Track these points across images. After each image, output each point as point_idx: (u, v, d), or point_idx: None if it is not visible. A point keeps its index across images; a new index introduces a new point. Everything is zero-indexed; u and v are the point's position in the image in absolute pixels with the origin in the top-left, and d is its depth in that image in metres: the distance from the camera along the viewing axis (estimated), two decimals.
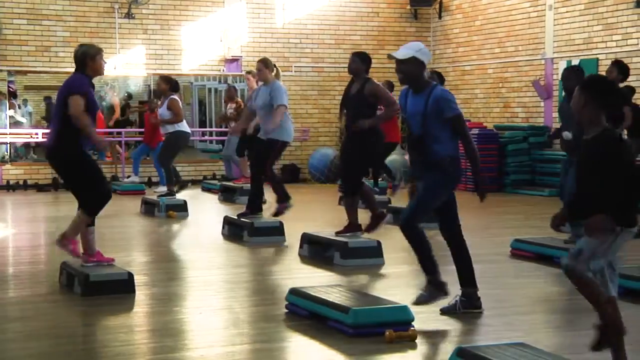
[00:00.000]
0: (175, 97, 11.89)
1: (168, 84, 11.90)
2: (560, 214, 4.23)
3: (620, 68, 9.42)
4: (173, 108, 11.66)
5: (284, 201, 9.34)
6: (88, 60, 6.60)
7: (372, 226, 8.27)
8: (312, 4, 17.54)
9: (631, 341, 4.92)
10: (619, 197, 4.04)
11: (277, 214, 9.31)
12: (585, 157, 4.18)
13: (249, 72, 12.97)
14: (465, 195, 12.69)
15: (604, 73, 13.68)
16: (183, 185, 12.09)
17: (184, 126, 11.82)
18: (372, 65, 8.25)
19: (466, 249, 5.78)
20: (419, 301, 5.67)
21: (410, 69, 5.60)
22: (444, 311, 5.65)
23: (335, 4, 17.74)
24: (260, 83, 9.70)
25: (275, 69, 9.40)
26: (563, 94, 9.20)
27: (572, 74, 8.01)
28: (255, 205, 9.44)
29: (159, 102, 12.34)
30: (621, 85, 9.64)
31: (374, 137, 7.99)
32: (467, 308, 5.67)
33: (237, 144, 13.41)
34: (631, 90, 10.02)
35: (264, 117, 9.27)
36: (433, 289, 5.71)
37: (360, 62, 8.05)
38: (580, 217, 4.26)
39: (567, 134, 7.91)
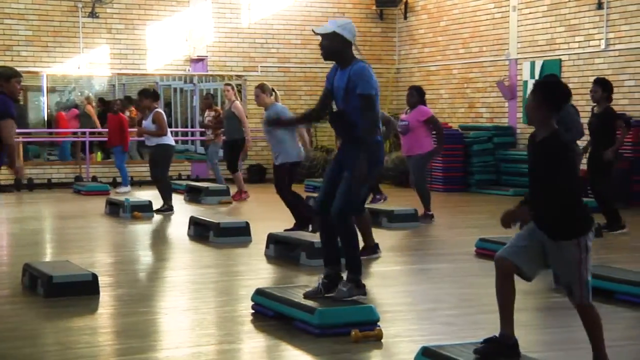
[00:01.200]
0: (160, 110, 11.81)
1: (148, 98, 11.80)
2: (513, 212, 4.22)
3: (605, 86, 9.31)
4: (158, 121, 11.54)
5: (299, 227, 9.09)
6: (2, 81, 6.75)
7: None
8: (277, 4, 17.52)
9: (574, 341, 4.98)
10: (568, 206, 4.08)
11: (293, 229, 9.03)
12: (536, 157, 4.20)
13: (227, 84, 13.14)
14: (431, 195, 12.74)
15: (568, 74, 13.87)
16: (167, 210, 11.77)
17: (168, 139, 11.71)
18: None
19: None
20: (339, 297, 5.57)
21: (330, 44, 5.62)
22: (307, 296, 5.51)
23: (301, 4, 17.73)
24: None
25: (273, 92, 9.43)
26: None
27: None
28: (300, 219, 9.20)
29: (143, 115, 12.18)
30: (607, 102, 9.48)
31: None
32: (328, 290, 5.60)
33: (231, 159, 13.25)
34: (614, 113, 9.63)
35: (271, 140, 9.31)
36: (354, 286, 5.68)
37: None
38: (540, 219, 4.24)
39: None
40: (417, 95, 10.62)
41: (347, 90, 5.56)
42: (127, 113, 16.32)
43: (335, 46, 5.61)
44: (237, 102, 13.19)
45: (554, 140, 4.12)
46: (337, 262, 5.76)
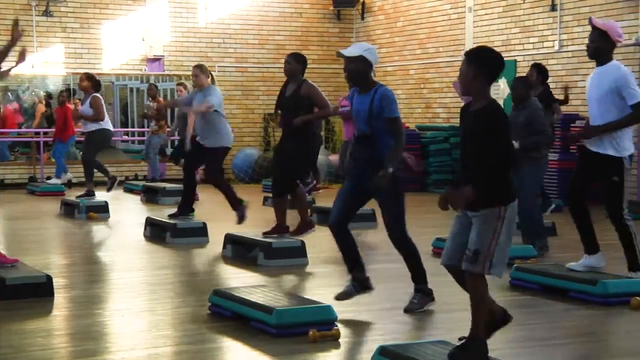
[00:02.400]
0: (98, 95, 11.77)
1: (90, 81, 11.77)
2: (444, 196, 4.25)
3: (540, 70, 9.66)
4: (95, 106, 11.53)
5: (237, 207, 9.21)
6: None
7: (299, 232, 8.27)
8: (234, 4, 17.46)
9: (543, 338, 5.05)
10: (497, 171, 4.08)
11: (240, 220, 9.19)
12: (470, 128, 4.19)
13: (180, 84, 13.07)
14: None
15: (523, 74, 14.02)
16: (113, 181, 11.92)
17: (106, 124, 11.73)
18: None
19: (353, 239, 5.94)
20: (412, 309, 5.80)
21: (357, 67, 5.66)
22: (339, 298, 5.81)
23: (258, 4, 17.69)
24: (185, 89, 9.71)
25: (210, 75, 9.41)
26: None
27: (519, 82, 8.14)
28: (185, 206, 9.33)
29: (80, 100, 12.19)
30: (542, 86, 9.91)
31: (309, 137, 8.02)
32: (360, 291, 5.86)
33: (176, 150, 13.34)
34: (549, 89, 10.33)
35: (199, 122, 9.28)
36: (422, 295, 5.84)
37: (295, 63, 8.07)
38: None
39: (514, 144, 8.07)
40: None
41: (372, 114, 5.61)
42: (72, 106, 16.15)
43: (361, 70, 5.67)
44: None
45: (491, 110, 4.12)
46: (360, 265, 5.91)
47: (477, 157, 4.09)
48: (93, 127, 11.62)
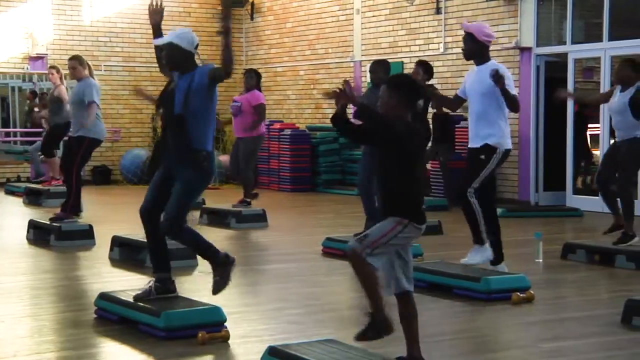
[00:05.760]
0: None
1: None
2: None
3: (425, 68, 9.87)
4: None
5: (71, 212, 9.04)
6: None
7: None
8: (121, 2, 17.14)
9: (429, 334, 5.16)
10: (411, 190, 4.22)
11: (55, 219, 9.00)
12: (388, 151, 4.30)
13: (52, 67, 12.51)
14: (278, 195, 12.82)
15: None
16: None
17: None
18: None
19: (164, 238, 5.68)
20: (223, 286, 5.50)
21: (169, 54, 5.63)
22: (137, 298, 5.45)
23: (145, 2, 17.28)
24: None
25: (88, 66, 9.24)
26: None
27: (378, 66, 8.37)
28: (73, 207, 9.09)
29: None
30: (426, 84, 10.12)
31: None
32: (161, 293, 5.52)
33: (50, 143, 12.82)
34: (434, 88, 10.52)
35: (75, 113, 9.16)
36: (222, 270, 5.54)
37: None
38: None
39: None
40: (255, 78, 10.89)
41: (189, 93, 5.47)
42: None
43: (175, 56, 5.61)
44: (63, 87, 12.55)
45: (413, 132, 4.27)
46: (168, 267, 5.67)
47: (392, 172, 4.21)
48: None
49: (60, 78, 12.17)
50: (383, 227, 4.18)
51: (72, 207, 9.06)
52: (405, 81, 4.45)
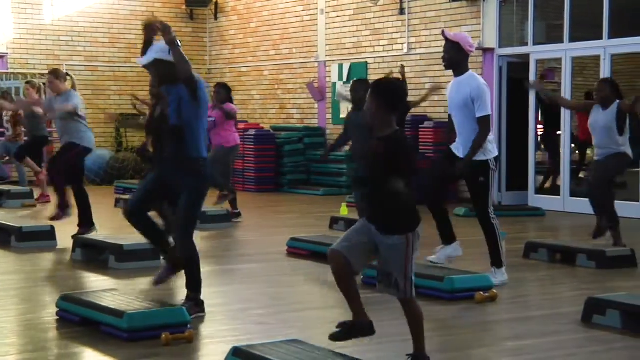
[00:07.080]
0: None
1: None
2: None
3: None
4: None
5: (63, 209, 8.97)
6: None
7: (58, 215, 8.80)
8: (82, 1, 16.99)
9: (394, 334, 5.17)
10: (409, 200, 4.24)
11: (53, 218, 8.97)
12: (379, 154, 4.28)
13: (28, 82, 12.52)
14: (243, 196, 12.81)
15: (374, 75, 14.34)
16: None
17: None
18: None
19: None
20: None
21: (157, 70, 5.66)
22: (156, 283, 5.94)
23: (107, 2, 17.29)
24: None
25: (69, 78, 9.12)
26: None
27: (359, 85, 8.27)
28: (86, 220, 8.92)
29: None
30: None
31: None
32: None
33: (19, 149, 12.77)
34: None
35: (63, 127, 8.90)
36: (193, 304, 5.64)
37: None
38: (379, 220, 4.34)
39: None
40: (224, 93, 10.83)
41: (181, 101, 5.56)
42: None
43: (162, 70, 5.60)
44: (40, 100, 12.57)
45: (396, 138, 4.26)
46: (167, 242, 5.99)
47: (385, 183, 4.19)
48: None
49: (38, 92, 12.08)
50: (398, 258, 4.20)
51: (60, 205, 8.98)
52: (390, 86, 4.42)
